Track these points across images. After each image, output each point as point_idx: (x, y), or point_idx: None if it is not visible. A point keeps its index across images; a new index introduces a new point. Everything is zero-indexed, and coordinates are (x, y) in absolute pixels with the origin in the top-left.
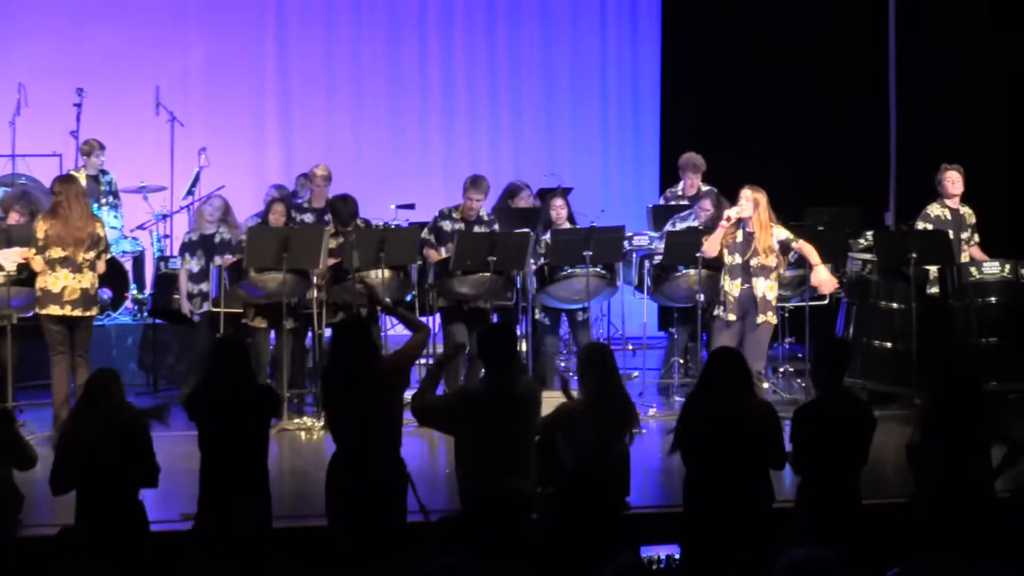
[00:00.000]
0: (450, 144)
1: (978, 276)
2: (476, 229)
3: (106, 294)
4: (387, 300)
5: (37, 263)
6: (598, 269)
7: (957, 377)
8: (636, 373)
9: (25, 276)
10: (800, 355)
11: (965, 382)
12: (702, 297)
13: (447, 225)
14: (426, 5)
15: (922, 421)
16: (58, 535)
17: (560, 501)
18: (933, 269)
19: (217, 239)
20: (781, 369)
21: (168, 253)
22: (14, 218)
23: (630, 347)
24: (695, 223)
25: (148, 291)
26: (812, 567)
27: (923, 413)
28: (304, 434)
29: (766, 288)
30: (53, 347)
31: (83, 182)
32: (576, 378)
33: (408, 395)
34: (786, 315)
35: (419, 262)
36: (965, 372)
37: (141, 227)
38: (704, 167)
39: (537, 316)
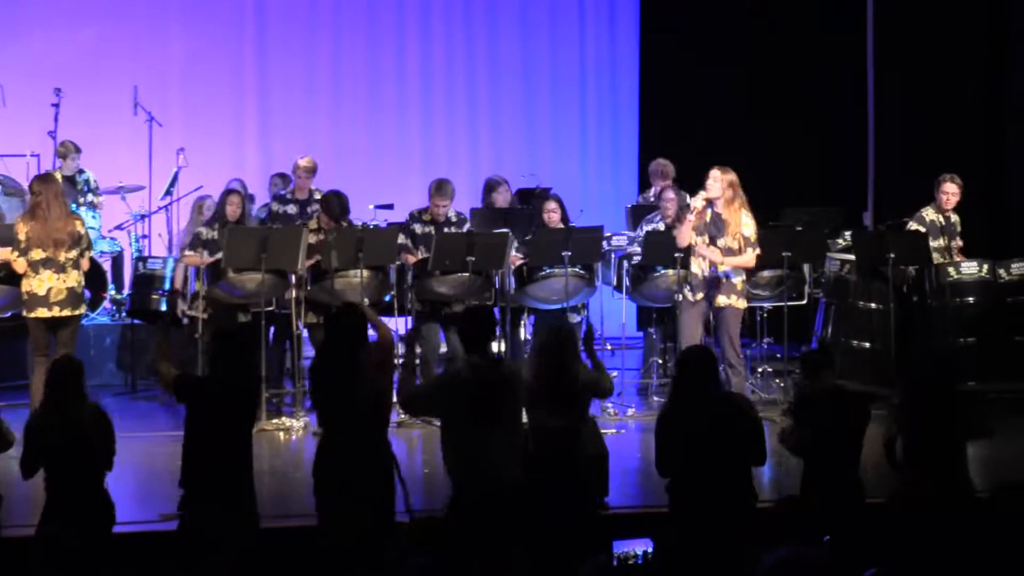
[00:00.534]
0: (429, 144)
1: (956, 276)
2: (447, 231)
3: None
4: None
5: (19, 265)
6: (577, 269)
7: (931, 377)
8: (615, 373)
9: (3, 275)
10: (779, 355)
11: (939, 382)
12: (680, 297)
13: (418, 228)
14: (405, 5)
15: (897, 420)
16: (36, 536)
17: (535, 499)
18: (911, 269)
19: (205, 235)
20: (760, 369)
21: (147, 253)
22: None
23: (609, 347)
24: (661, 224)
25: (126, 291)
26: (797, 565)
27: (898, 412)
28: (283, 434)
29: (731, 270)
30: (36, 350)
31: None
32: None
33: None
34: (764, 315)
35: (398, 262)
36: (939, 372)
37: (119, 227)
38: (673, 174)
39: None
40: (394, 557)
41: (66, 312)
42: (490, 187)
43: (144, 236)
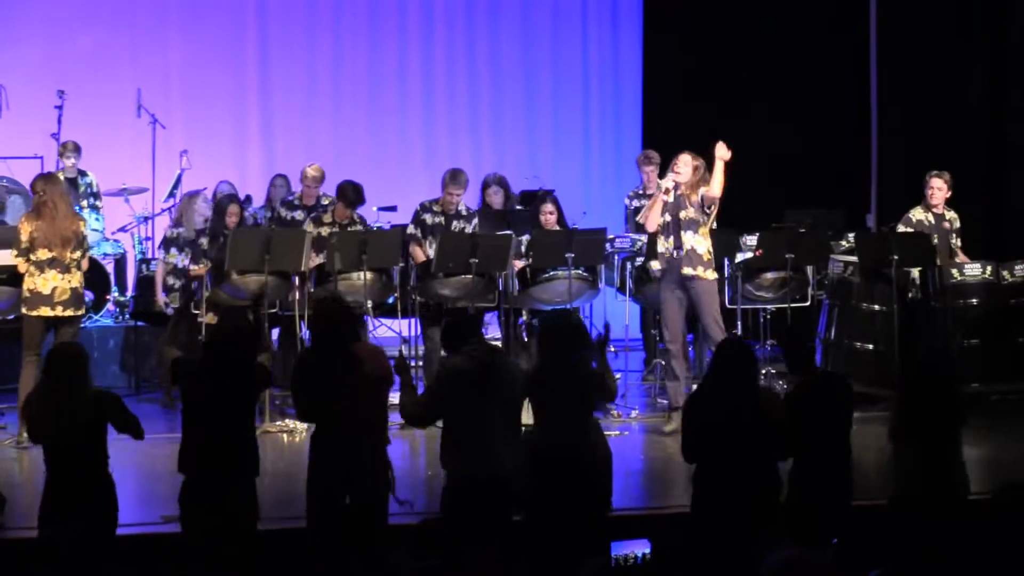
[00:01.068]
0: (431, 146)
1: (959, 278)
2: (456, 223)
3: (87, 296)
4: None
5: (21, 265)
6: (580, 271)
7: (930, 378)
8: (618, 375)
9: (5, 277)
10: (782, 357)
11: (938, 383)
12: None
13: (428, 218)
14: (407, 7)
15: (895, 421)
16: (40, 538)
17: (540, 499)
18: (915, 271)
19: (205, 244)
20: (764, 371)
21: (150, 255)
22: None
23: (612, 349)
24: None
25: (130, 293)
26: (801, 566)
27: (896, 413)
28: (287, 436)
29: (695, 241)
30: (29, 349)
31: None
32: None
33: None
34: (767, 317)
35: (401, 264)
36: (938, 373)
37: (123, 229)
38: (657, 159)
39: (530, 320)
40: (394, 561)
41: (69, 312)
42: (484, 184)
43: (147, 238)
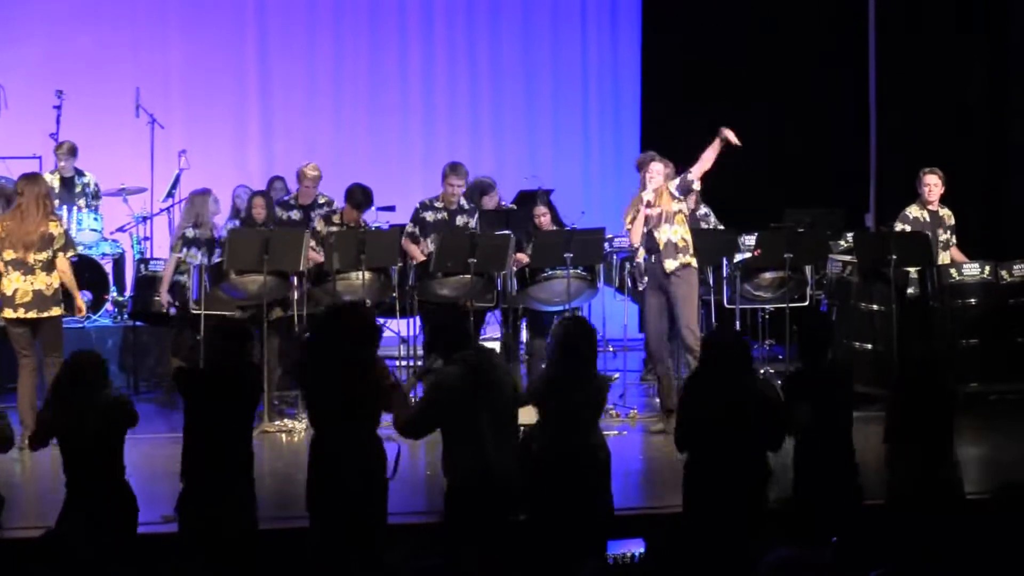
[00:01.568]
0: (431, 146)
1: (958, 278)
2: (459, 218)
3: (86, 296)
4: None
5: None
6: (579, 271)
7: (923, 378)
8: (617, 375)
9: None
10: (780, 357)
11: (932, 383)
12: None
13: (429, 216)
14: (406, 7)
15: (889, 423)
16: (41, 538)
17: (537, 500)
18: (913, 271)
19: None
20: (762, 371)
21: (149, 255)
22: None
23: (611, 349)
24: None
25: (128, 293)
26: (799, 566)
27: (890, 414)
28: (285, 436)
29: (669, 233)
30: (17, 350)
31: (55, 184)
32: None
33: None
34: (766, 317)
35: (399, 264)
36: (931, 372)
37: (121, 229)
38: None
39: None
40: (395, 560)
41: (32, 314)
42: (483, 189)
43: (146, 238)
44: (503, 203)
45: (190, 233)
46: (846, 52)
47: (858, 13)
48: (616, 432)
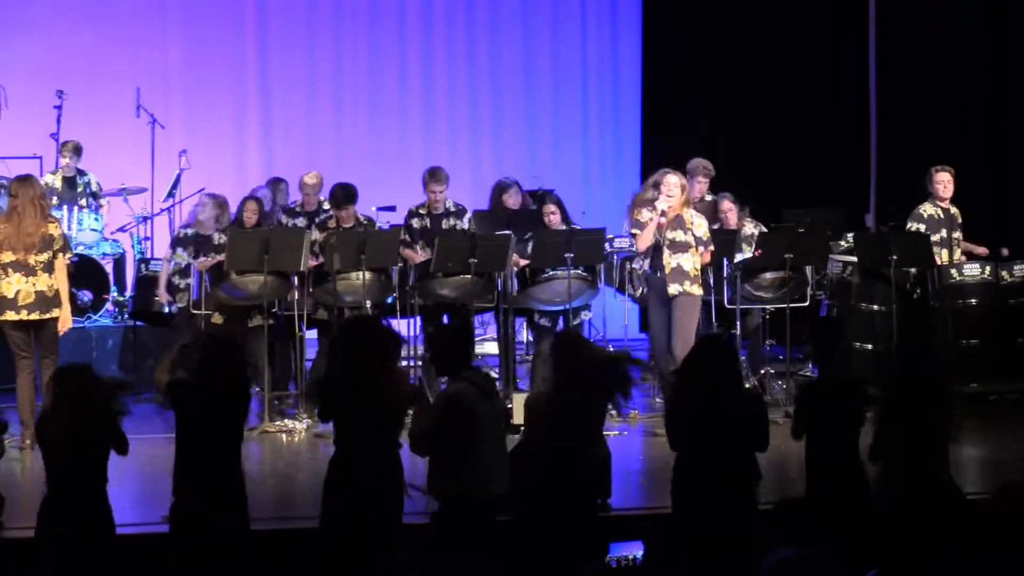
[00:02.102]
0: (431, 146)
1: (958, 278)
2: (446, 222)
3: (86, 296)
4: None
5: None
6: (579, 271)
7: (917, 377)
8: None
9: None
10: (781, 357)
11: (925, 382)
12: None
13: (416, 222)
14: (406, 7)
15: (881, 421)
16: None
17: (537, 501)
18: (913, 271)
19: (217, 240)
20: (763, 371)
21: (149, 255)
22: None
23: (611, 349)
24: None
25: (129, 293)
26: (799, 567)
27: (882, 413)
28: (286, 437)
29: (682, 260)
30: (15, 352)
31: (58, 184)
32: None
33: None
34: (767, 317)
35: (400, 264)
36: (926, 372)
37: (122, 229)
38: (713, 173)
39: (536, 319)
40: (399, 562)
41: (35, 316)
42: (501, 189)
43: (147, 238)
44: (528, 204)
45: (180, 233)
46: (846, 52)
47: (858, 13)
48: (616, 432)
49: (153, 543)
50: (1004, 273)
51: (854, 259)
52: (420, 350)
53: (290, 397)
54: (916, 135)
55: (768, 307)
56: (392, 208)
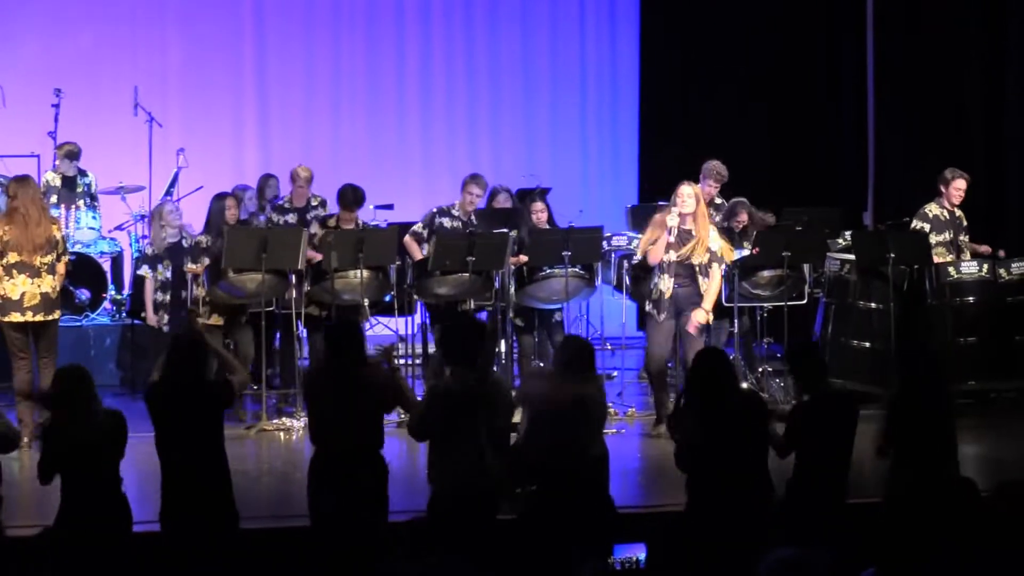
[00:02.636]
0: (429, 145)
1: (956, 276)
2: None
3: (84, 295)
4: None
5: None
6: (577, 269)
7: (924, 376)
8: (615, 373)
9: None
10: (779, 355)
11: (932, 381)
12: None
13: (447, 222)
14: (405, 6)
15: (889, 420)
16: (39, 536)
17: (538, 500)
18: (911, 269)
19: (186, 243)
20: (760, 369)
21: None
22: None
23: (609, 347)
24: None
25: (126, 292)
26: (797, 567)
27: (889, 412)
28: (283, 435)
29: (704, 285)
30: (13, 353)
31: (57, 182)
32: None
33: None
34: (764, 315)
35: (397, 262)
36: (932, 371)
37: (119, 228)
38: (726, 177)
39: (510, 317)
40: (392, 560)
41: (40, 317)
42: (492, 194)
43: (144, 236)
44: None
45: (150, 251)
46: (844, 51)
47: (856, 12)
48: (614, 431)
49: (152, 542)
50: (1002, 271)
51: (852, 257)
52: (418, 348)
53: (288, 395)
54: (914, 134)
55: (766, 305)
56: (390, 207)
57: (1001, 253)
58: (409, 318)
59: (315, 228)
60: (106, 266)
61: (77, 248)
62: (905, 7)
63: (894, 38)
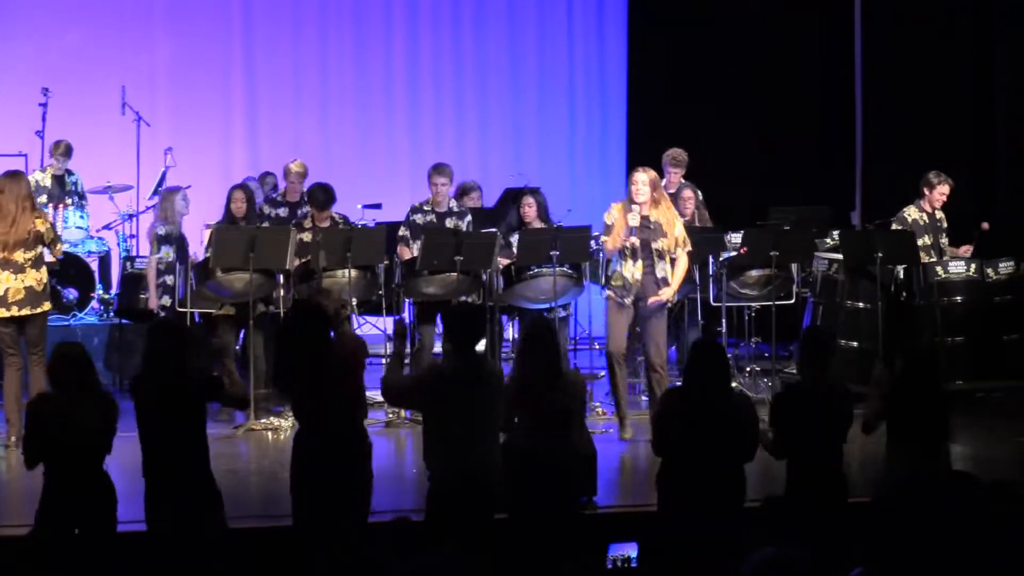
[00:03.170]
0: (417, 144)
1: (943, 276)
2: (448, 221)
3: (72, 294)
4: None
5: None
6: (565, 268)
7: (917, 376)
8: (602, 373)
9: None
10: (766, 355)
11: (925, 381)
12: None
13: (419, 218)
14: (392, 6)
15: (877, 417)
16: (29, 535)
17: (519, 496)
18: (899, 268)
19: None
20: (747, 368)
21: (134, 253)
22: None
23: (596, 346)
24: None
25: (114, 291)
26: (780, 566)
27: (881, 410)
28: (271, 434)
29: (667, 270)
30: (3, 350)
31: (47, 182)
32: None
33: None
34: (752, 315)
35: (386, 262)
36: (925, 371)
37: (107, 227)
38: (685, 161)
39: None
40: (378, 562)
41: (26, 311)
42: (463, 190)
43: (132, 236)
44: (484, 205)
45: (162, 230)
46: (832, 50)
47: (844, 11)
48: (602, 430)
49: (147, 540)
50: (989, 271)
51: (840, 257)
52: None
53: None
54: (902, 134)
55: (753, 304)
56: (378, 206)
57: (984, 225)
58: (397, 317)
59: (295, 234)
60: (94, 265)
61: (65, 247)
62: (893, 6)
63: (882, 37)
